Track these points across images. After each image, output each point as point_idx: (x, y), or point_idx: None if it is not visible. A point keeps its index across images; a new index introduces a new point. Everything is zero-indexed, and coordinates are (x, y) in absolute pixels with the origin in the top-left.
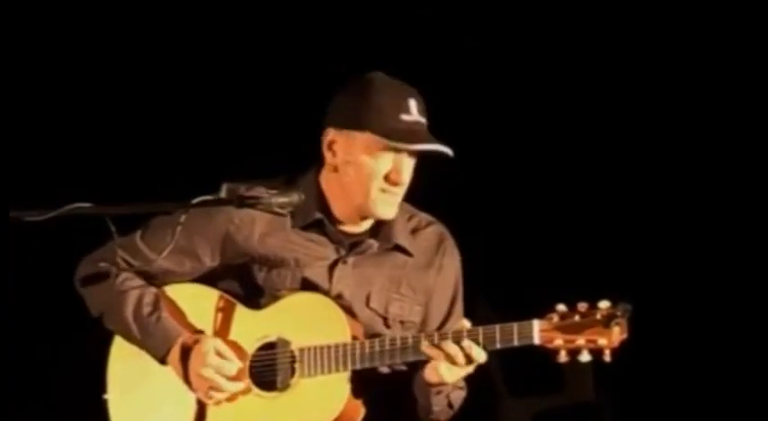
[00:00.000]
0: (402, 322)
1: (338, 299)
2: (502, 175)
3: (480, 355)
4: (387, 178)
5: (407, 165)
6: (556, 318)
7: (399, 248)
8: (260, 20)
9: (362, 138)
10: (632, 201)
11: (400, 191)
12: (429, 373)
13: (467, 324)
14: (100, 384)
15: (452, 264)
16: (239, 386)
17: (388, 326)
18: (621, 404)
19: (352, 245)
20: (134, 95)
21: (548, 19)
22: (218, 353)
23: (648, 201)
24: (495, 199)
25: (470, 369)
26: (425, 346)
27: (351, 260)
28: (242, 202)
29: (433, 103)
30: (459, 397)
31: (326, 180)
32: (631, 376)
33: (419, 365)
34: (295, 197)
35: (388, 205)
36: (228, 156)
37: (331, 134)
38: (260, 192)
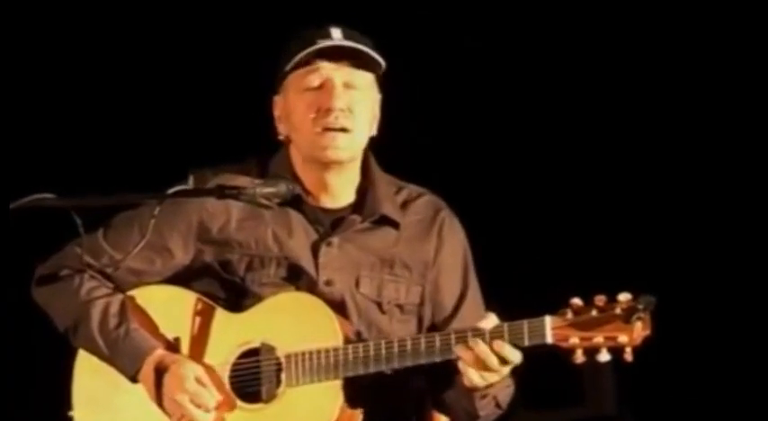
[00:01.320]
0: (399, 306)
1: (328, 286)
2: (507, 167)
3: (513, 355)
4: (320, 110)
5: (337, 88)
6: (570, 314)
7: (387, 221)
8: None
9: (288, 83)
10: (654, 187)
11: (340, 120)
12: (464, 378)
13: (494, 318)
14: (64, 400)
15: (454, 237)
16: (212, 418)
17: (383, 312)
18: (646, 418)
19: (334, 222)
20: (97, 83)
21: (547, 16)
22: (197, 380)
23: (672, 185)
24: (501, 189)
25: (506, 371)
26: (459, 349)
27: (335, 240)
28: (223, 193)
29: (436, 100)
30: (507, 395)
31: (294, 155)
32: (657, 385)
33: (421, 368)
34: (283, 187)
35: (332, 140)
36: (194, 142)
37: (274, 103)
38: (243, 181)
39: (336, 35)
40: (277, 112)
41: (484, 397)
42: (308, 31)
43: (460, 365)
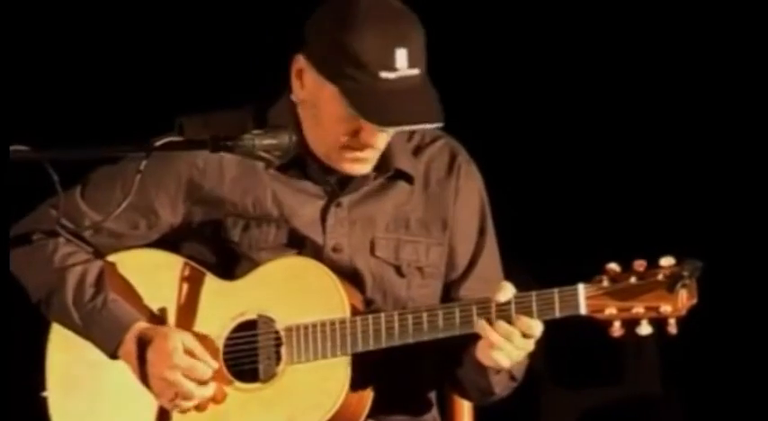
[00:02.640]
0: (420, 269)
1: (336, 252)
2: (537, 117)
3: (533, 327)
4: (357, 135)
5: (384, 134)
6: (607, 281)
7: (402, 175)
8: None
9: (331, 91)
10: (701, 144)
11: (370, 155)
12: (483, 356)
13: (510, 289)
14: (37, 379)
15: (472, 185)
16: (211, 390)
17: (402, 275)
18: (695, 397)
19: (343, 182)
20: (75, 20)
21: None
22: (188, 352)
23: (719, 143)
24: (529, 140)
25: (531, 347)
26: (481, 325)
27: (345, 201)
28: (217, 145)
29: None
30: (522, 365)
31: (302, 113)
32: (706, 361)
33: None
34: (285, 138)
35: (355, 163)
36: (182, 85)
37: (301, 62)
38: (239, 131)
39: (400, 60)
40: (299, 71)
41: (498, 371)
42: (375, 43)
43: (481, 343)
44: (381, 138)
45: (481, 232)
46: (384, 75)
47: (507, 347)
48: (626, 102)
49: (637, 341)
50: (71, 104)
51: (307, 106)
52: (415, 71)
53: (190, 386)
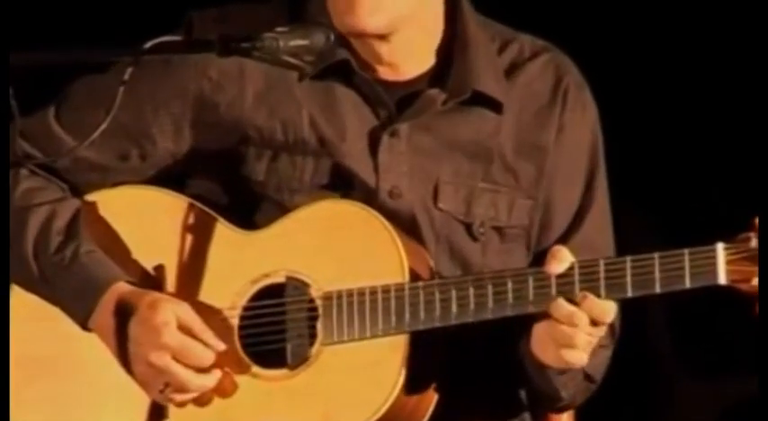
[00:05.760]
0: (498, 229)
1: (393, 197)
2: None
3: (603, 310)
4: None
5: None
6: (754, 241)
7: (485, 99)
8: None
9: None
10: None
11: None
12: (544, 355)
13: (566, 255)
14: None
15: (581, 118)
16: (213, 380)
17: (474, 238)
18: None
19: (402, 101)
20: None
21: None
22: (184, 328)
23: None
24: (657, 67)
25: (599, 334)
26: (554, 308)
27: (403, 128)
28: (228, 48)
29: None
30: (601, 362)
31: None
32: None
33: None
34: (320, 38)
35: (351, 8)
36: None
37: None
38: (261, 30)
39: None
40: None
41: (563, 371)
42: None
43: (539, 332)
44: None
45: (589, 183)
46: None
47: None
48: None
49: None
50: None
51: None
52: None
53: (183, 374)
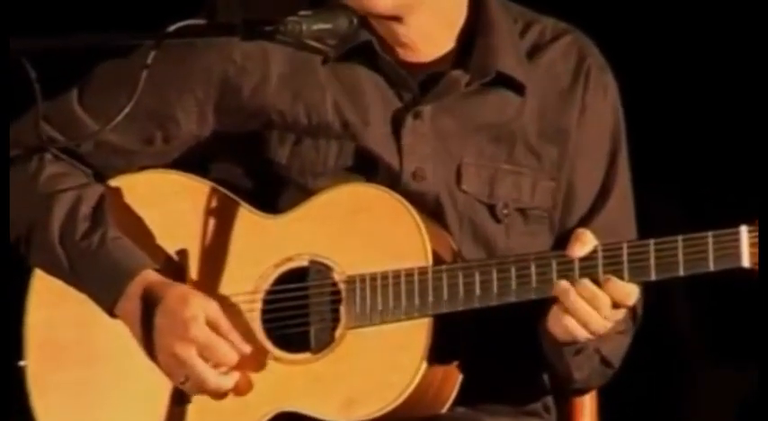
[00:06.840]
0: (522, 211)
1: (417, 179)
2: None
3: (626, 293)
4: None
5: None
6: None
7: (508, 81)
8: None
9: None
10: None
11: None
12: (555, 327)
13: (590, 238)
14: (12, 344)
15: (603, 100)
16: (231, 382)
17: (497, 220)
18: None
19: (425, 83)
20: None
21: None
22: (211, 324)
23: None
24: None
25: (616, 318)
26: (558, 289)
27: (427, 110)
28: (251, 32)
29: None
30: (619, 347)
31: None
32: None
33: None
34: (343, 21)
35: None
36: None
37: None
38: (285, 13)
39: None
40: None
41: (579, 351)
42: None
43: (557, 310)
44: None
45: (611, 165)
46: None
47: (585, 313)
48: None
49: None
50: None
51: None
52: None
53: (204, 370)
